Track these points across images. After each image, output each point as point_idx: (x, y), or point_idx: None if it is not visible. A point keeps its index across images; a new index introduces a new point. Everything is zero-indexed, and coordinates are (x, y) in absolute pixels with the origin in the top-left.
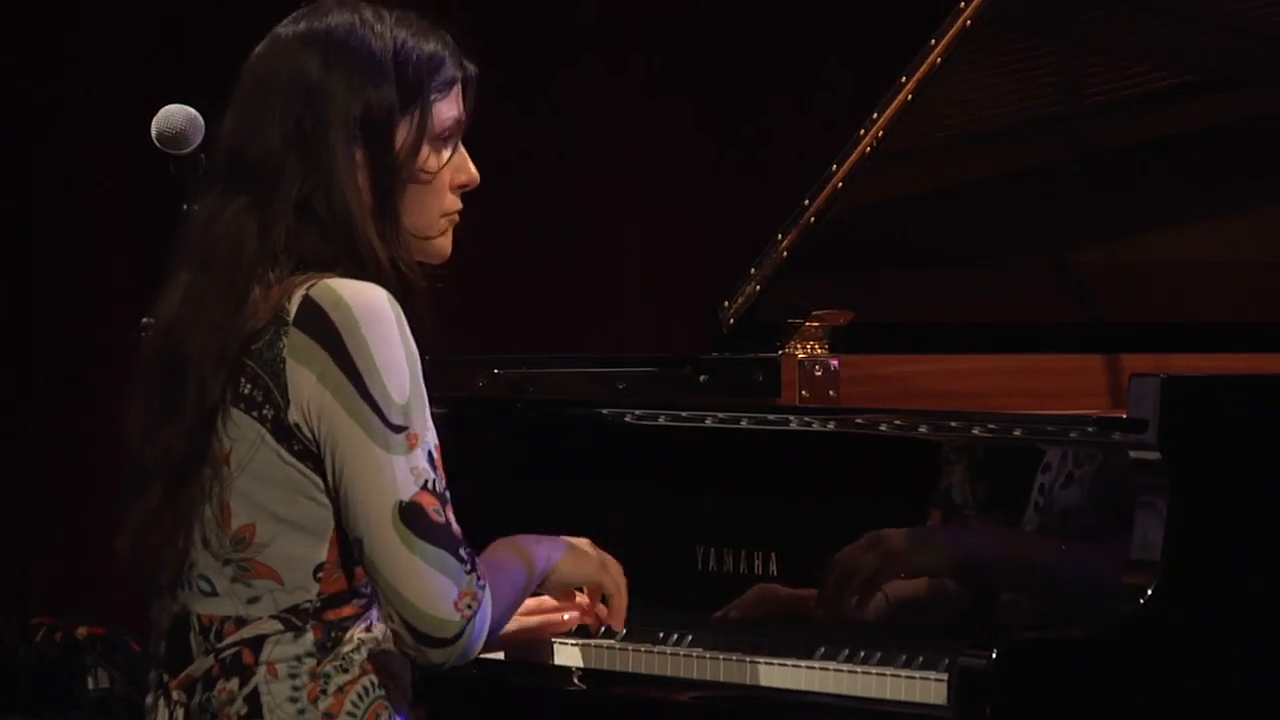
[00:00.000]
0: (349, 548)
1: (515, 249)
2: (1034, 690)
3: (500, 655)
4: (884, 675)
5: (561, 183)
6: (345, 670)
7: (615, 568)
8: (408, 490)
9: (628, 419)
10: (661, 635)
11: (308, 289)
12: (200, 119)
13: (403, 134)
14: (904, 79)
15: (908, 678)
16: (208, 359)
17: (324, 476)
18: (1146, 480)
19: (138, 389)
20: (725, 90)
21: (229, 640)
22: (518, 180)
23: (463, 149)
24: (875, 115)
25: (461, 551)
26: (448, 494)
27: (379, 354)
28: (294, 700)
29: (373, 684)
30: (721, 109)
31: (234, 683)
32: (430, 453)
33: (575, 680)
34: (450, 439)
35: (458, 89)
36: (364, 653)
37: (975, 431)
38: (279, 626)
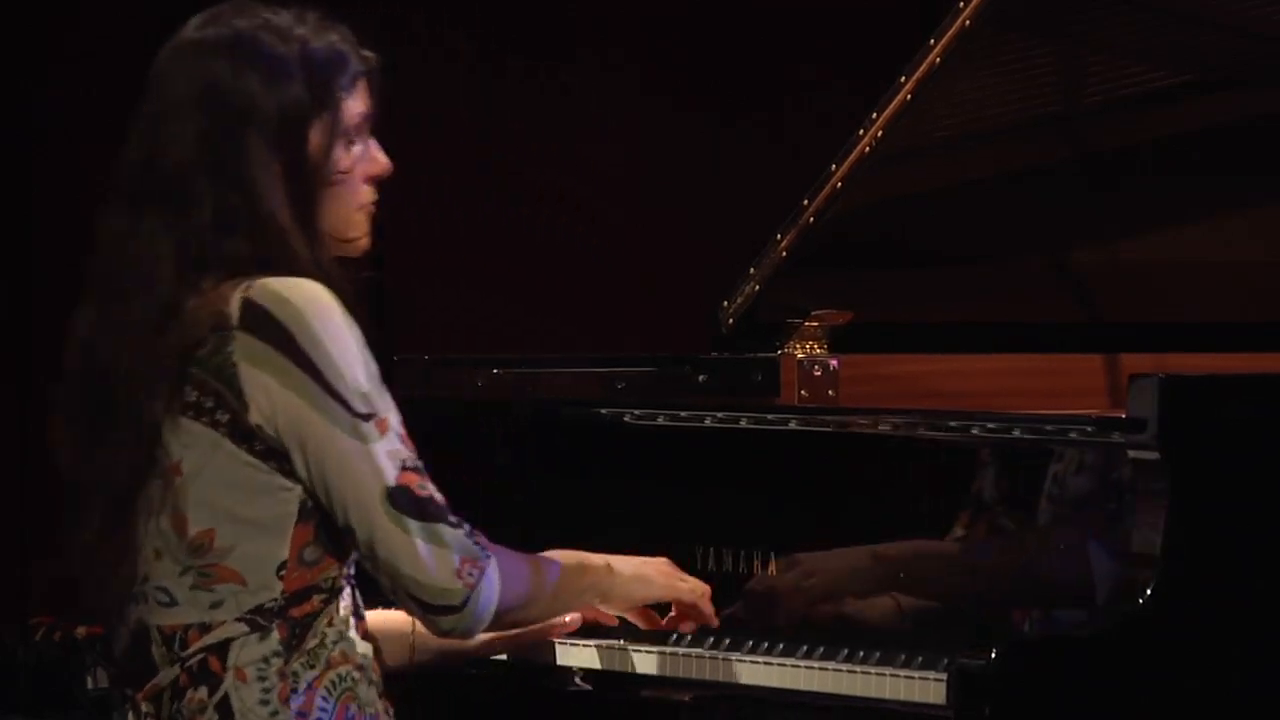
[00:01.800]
0: (308, 544)
1: (515, 249)
2: (1033, 690)
3: (504, 656)
4: (883, 675)
5: (561, 182)
6: (312, 666)
7: (690, 584)
8: (391, 474)
9: (627, 419)
10: (659, 635)
11: (244, 292)
12: None
13: (316, 135)
14: (903, 78)
15: (907, 678)
16: (139, 377)
17: (288, 474)
18: (1146, 480)
19: (61, 410)
20: (725, 90)
21: (194, 648)
22: (517, 180)
23: (372, 140)
24: (874, 115)
25: (451, 518)
26: (422, 464)
27: (333, 346)
28: (265, 703)
29: (340, 677)
30: (721, 108)
31: (203, 691)
32: (399, 433)
33: (576, 680)
34: (450, 439)
35: (363, 82)
36: (329, 646)
37: (974, 431)
38: (244, 628)
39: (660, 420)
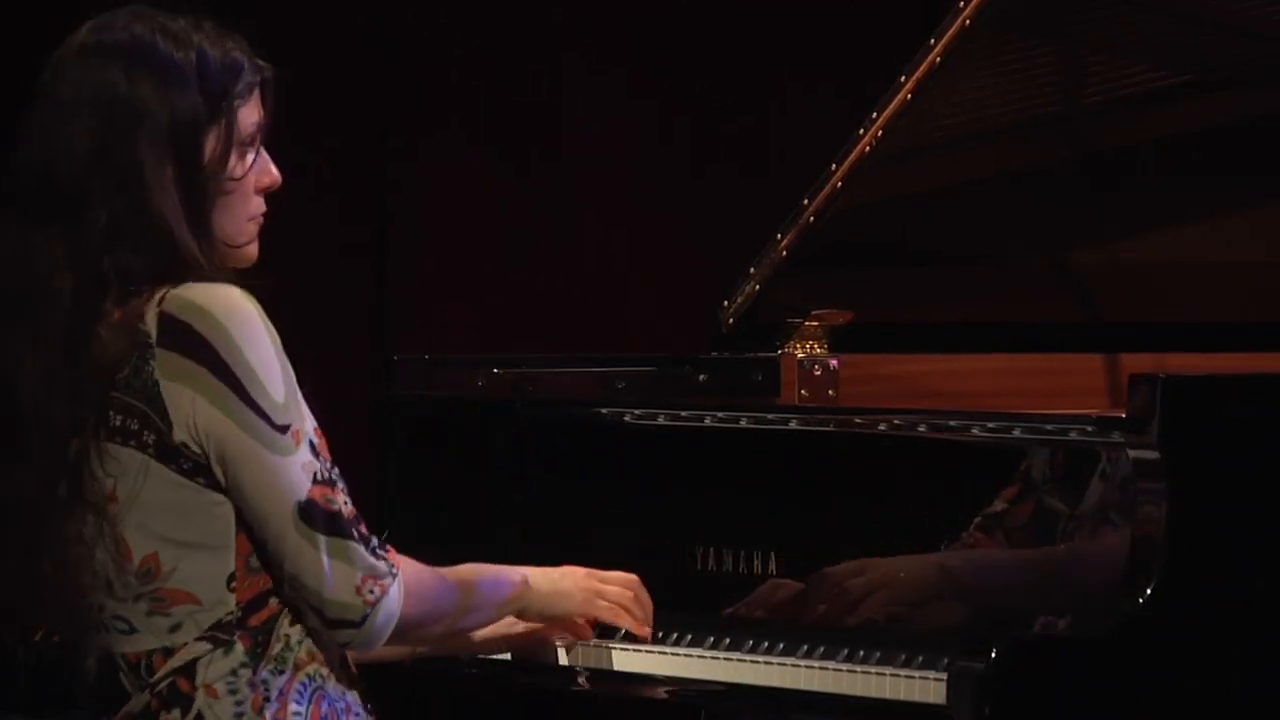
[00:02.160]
0: (252, 551)
1: (514, 249)
2: (1033, 690)
3: (506, 655)
4: (883, 675)
5: (561, 182)
6: (281, 671)
7: (614, 591)
8: (302, 489)
9: (627, 419)
10: (659, 635)
11: (159, 305)
12: None
13: (211, 143)
14: (903, 78)
15: (907, 677)
16: (52, 404)
17: (218, 488)
18: (1146, 480)
19: None
20: (725, 90)
21: (161, 673)
22: (517, 179)
23: (264, 151)
24: (874, 115)
25: (357, 532)
26: (334, 474)
27: (253, 357)
28: (239, 715)
29: (309, 677)
30: (721, 108)
31: (175, 713)
32: (312, 441)
33: (575, 680)
34: (450, 439)
35: (257, 92)
36: (295, 647)
37: (974, 431)
38: (207, 646)
39: (660, 420)
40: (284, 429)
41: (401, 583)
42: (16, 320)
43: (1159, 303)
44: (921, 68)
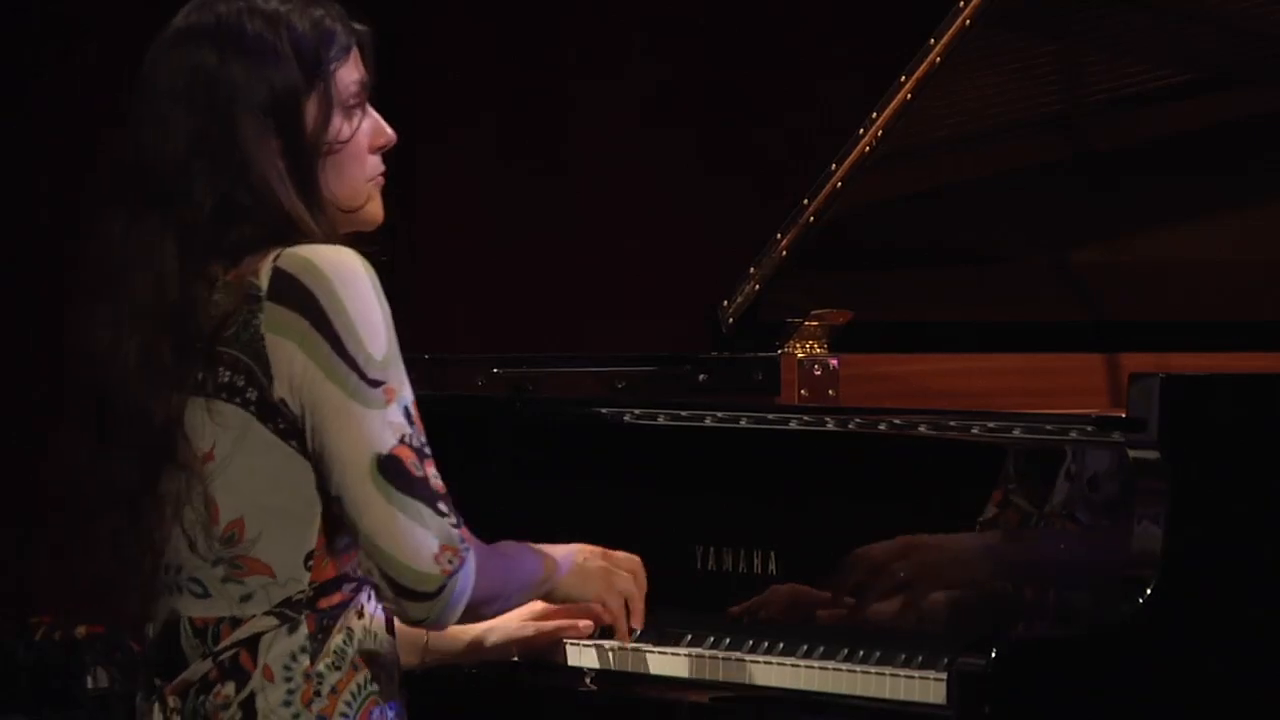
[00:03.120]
0: (335, 534)
1: (515, 248)
2: (1033, 689)
3: (514, 657)
4: (883, 674)
5: (561, 181)
6: (338, 668)
7: (624, 579)
8: (385, 443)
9: (627, 418)
10: (659, 635)
11: (275, 260)
12: None
13: (311, 110)
14: (903, 78)
15: (907, 677)
16: (149, 373)
17: (309, 454)
18: (1146, 479)
19: (69, 413)
20: (725, 89)
21: (226, 642)
22: (518, 179)
23: (373, 110)
24: (874, 114)
25: (441, 505)
26: (428, 449)
27: (355, 312)
28: (288, 704)
29: (365, 680)
30: (721, 107)
31: (230, 687)
32: (407, 408)
33: (586, 682)
34: (450, 439)
35: (355, 52)
36: (355, 645)
37: (974, 431)
38: (274, 621)
39: (660, 420)
40: (375, 383)
41: (474, 556)
42: (125, 301)
43: (1159, 302)
44: (921, 67)
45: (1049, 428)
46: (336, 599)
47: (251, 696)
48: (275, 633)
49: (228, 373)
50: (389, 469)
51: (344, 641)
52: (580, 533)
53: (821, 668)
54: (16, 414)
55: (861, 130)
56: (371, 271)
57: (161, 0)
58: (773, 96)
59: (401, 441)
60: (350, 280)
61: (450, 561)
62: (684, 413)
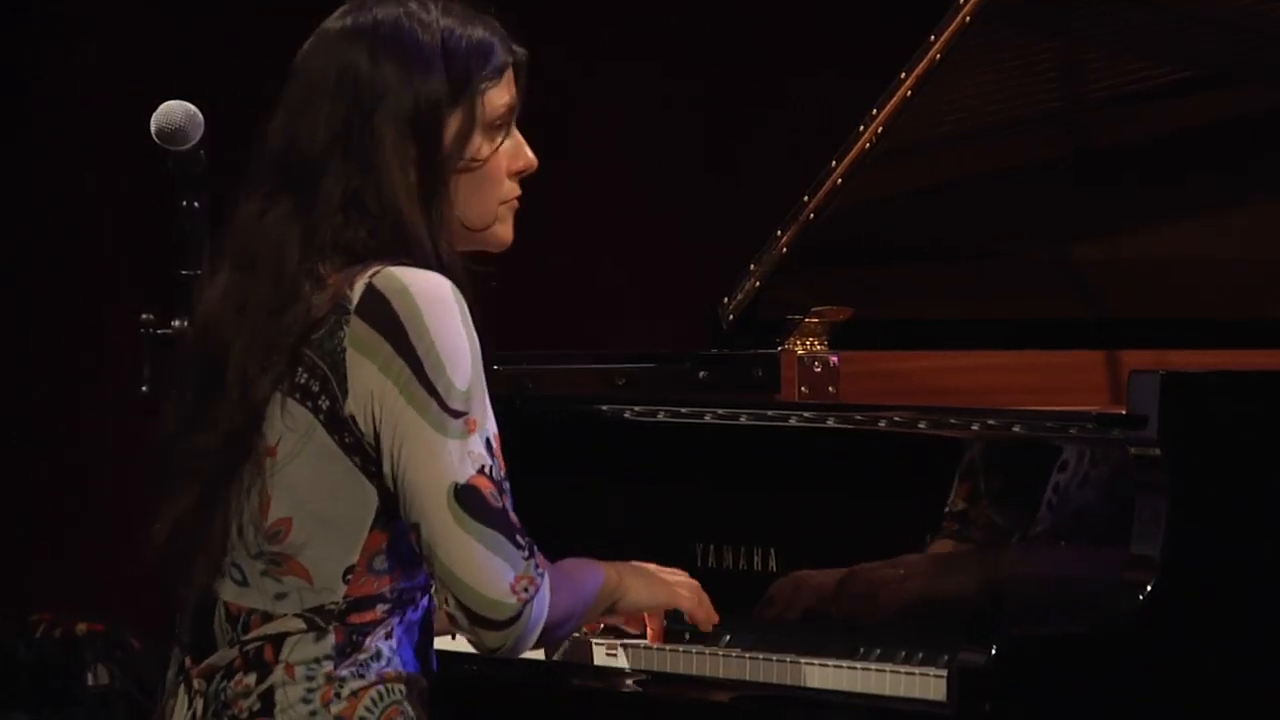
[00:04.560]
0: (379, 552)
1: (515, 245)
2: (1033, 686)
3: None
4: (884, 671)
5: (561, 179)
6: (361, 676)
7: (689, 586)
8: (464, 473)
9: (627, 415)
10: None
11: (371, 277)
12: (199, 115)
13: (453, 124)
14: (903, 75)
15: (907, 674)
16: (252, 360)
17: (370, 473)
18: (1146, 476)
19: (175, 387)
20: (724, 86)
21: (254, 634)
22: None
23: (517, 134)
24: (875, 112)
25: (519, 538)
26: (506, 484)
27: (441, 341)
28: (307, 701)
29: (388, 690)
30: (721, 105)
31: (251, 678)
32: (489, 440)
33: (579, 678)
34: None
35: (509, 74)
36: (382, 661)
37: (974, 427)
38: (302, 625)
39: (660, 417)
40: (457, 414)
41: (548, 582)
42: (245, 281)
43: (1159, 299)
44: (921, 65)
45: (1049, 425)
46: (368, 617)
47: (271, 690)
48: (302, 637)
49: (305, 375)
50: (466, 499)
51: (370, 657)
52: (580, 530)
53: (821, 664)
54: (16, 414)
55: (862, 127)
56: (462, 302)
57: (161, 1)
58: (774, 92)
59: (481, 472)
60: (439, 309)
61: (526, 589)
62: (684, 410)
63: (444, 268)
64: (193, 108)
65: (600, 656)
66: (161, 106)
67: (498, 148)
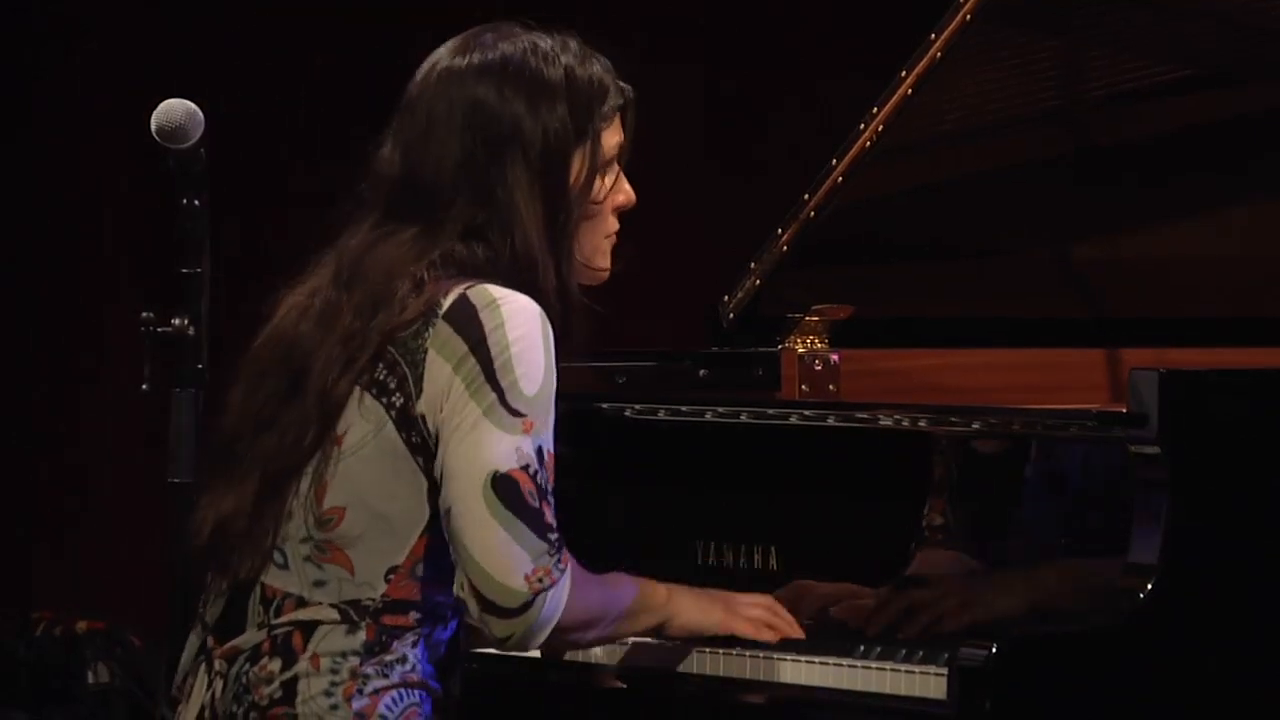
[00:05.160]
0: (424, 559)
1: None
2: (1033, 685)
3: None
4: (884, 670)
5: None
6: (385, 676)
7: (762, 607)
8: (507, 464)
9: (627, 413)
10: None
11: (466, 289)
12: (200, 114)
13: (577, 164)
14: (904, 74)
15: (907, 672)
16: (336, 362)
17: (430, 475)
18: (1146, 474)
19: (245, 382)
20: (725, 84)
21: (285, 619)
22: None
23: (620, 171)
24: (875, 110)
25: (548, 535)
26: (551, 496)
27: (517, 351)
28: (329, 694)
29: (409, 692)
30: (721, 103)
31: (276, 664)
32: (542, 449)
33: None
34: None
35: (618, 114)
36: (407, 666)
37: (975, 426)
38: (335, 616)
39: (661, 415)
40: (516, 413)
41: (569, 580)
42: (338, 298)
43: (1160, 298)
44: (922, 63)
45: (1050, 423)
46: (401, 621)
47: (294, 679)
48: (334, 628)
49: (384, 371)
50: (501, 486)
51: (396, 660)
52: (580, 529)
53: (822, 663)
54: (16, 414)
55: (862, 125)
56: (548, 326)
57: (161, 0)
58: (774, 90)
59: (523, 469)
60: (523, 325)
61: (540, 581)
62: (684, 408)
63: (564, 304)
64: (193, 106)
65: (597, 654)
66: (162, 105)
67: (610, 187)
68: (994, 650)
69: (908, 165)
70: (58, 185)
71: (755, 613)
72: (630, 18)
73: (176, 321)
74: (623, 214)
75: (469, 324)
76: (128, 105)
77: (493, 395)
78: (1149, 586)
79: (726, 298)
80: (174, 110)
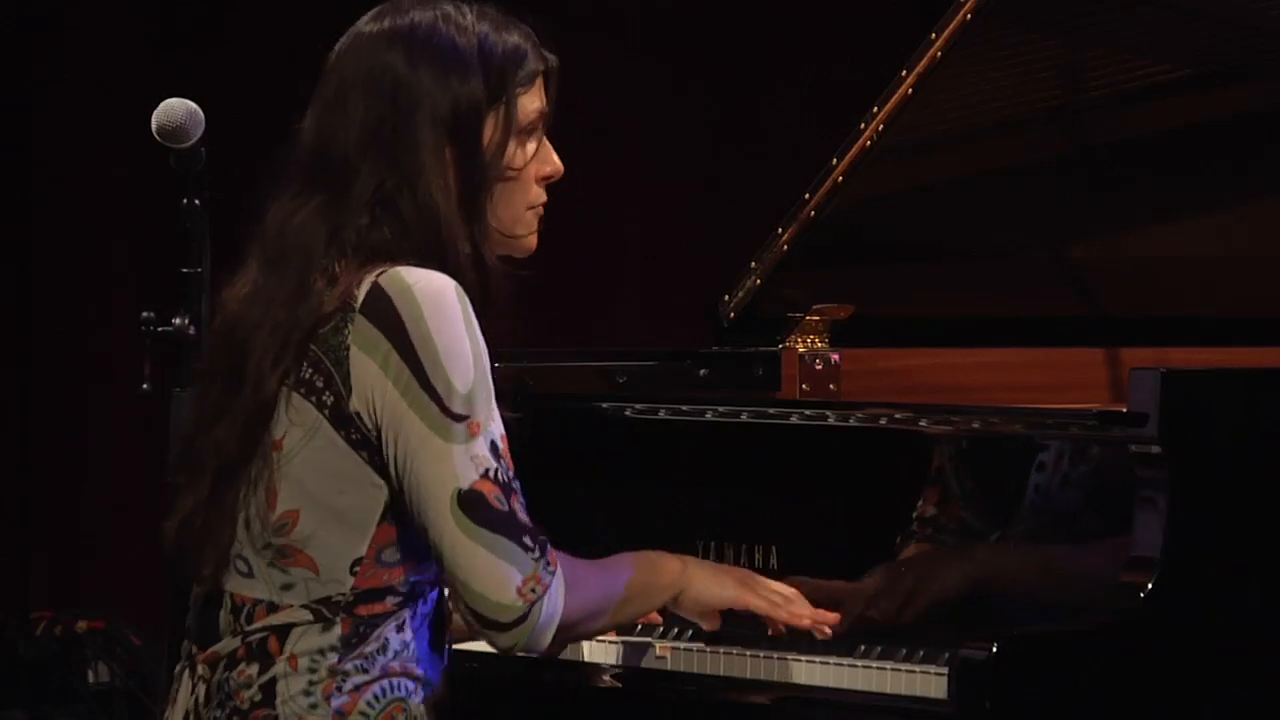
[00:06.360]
0: (389, 545)
1: None
2: (1034, 684)
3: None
4: (884, 669)
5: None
6: (365, 670)
7: (766, 586)
8: (467, 478)
9: (628, 413)
10: (660, 630)
11: (377, 276)
12: (200, 113)
13: (490, 130)
14: (904, 73)
15: (908, 671)
16: (266, 356)
17: (378, 467)
18: (1147, 474)
19: (201, 382)
20: (725, 83)
21: (259, 624)
22: None
23: (545, 140)
24: (875, 109)
25: (526, 539)
26: (515, 483)
27: (442, 343)
28: (308, 694)
29: (393, 685)
30: (722, 102)
31: (254, 668)
32: (494, 441)
33: (580, 676)
34: None
35: (540, 80)
36: (389, 655)
37: (976, 425)
38: (308, 616)
39: (661, 414)
40: (459, 418)
41: (562, 579)
42: (271, 276)
43: (1160, 297)
44: (923, 62)
45: (1050, 422)
46: (378, 609)
47: (273, 680)
48: (307, 628)
49: (310, 370)
50: (470, 505)
51: (377, 651)
52: (581, 528)
53: (823, 662)
54: (16, 414)
55: (862, 125)
56: (467, 303)
57: (161, 0)
58: (774, 89)
59: (485, 476)
60: (442, 310)
61: (533, 590)
62: (685, 407)
63: (480, 273)
64: (193, 105)
65: (598, 654)
66: (162, 104)
67: (532, 155)
68: (994, 650)
69: (908, 165)
70: (58, 185)
71: (772, 595)
72: (631, 15)
73: (177, 321)
74: (629, 212)
75: (386, 316)
76: (128, 106)
77: (431, 405)
78: (1149, 586)
79: (727, 297)
80: (174, 110)
